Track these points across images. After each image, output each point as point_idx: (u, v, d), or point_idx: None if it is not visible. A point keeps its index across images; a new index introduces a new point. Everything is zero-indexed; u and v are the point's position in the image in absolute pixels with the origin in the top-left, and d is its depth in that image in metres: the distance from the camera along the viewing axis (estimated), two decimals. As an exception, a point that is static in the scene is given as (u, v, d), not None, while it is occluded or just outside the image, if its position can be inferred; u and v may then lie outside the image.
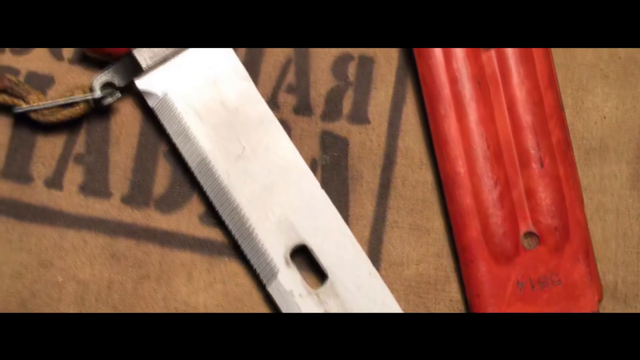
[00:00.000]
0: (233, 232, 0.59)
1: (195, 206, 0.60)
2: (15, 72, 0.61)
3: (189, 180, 0.60)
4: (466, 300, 0.59)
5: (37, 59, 0.61)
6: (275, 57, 0.61)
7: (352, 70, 0.61)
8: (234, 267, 0.60)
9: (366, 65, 0.61)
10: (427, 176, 0.61)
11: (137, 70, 0.59)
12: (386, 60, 0.61)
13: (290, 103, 0.61)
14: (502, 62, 0.60)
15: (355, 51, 0.61)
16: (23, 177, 0.60)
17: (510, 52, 0.59)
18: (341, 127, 0.61)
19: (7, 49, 0.61)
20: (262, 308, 0.59)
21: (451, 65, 0.59)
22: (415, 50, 0.59)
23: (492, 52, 0.59)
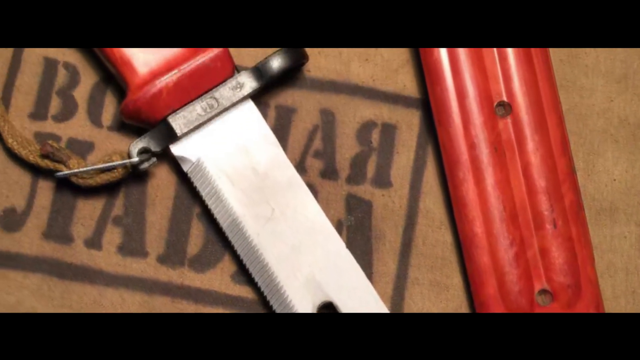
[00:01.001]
0: (263, 290, 0.60)
1: (227, 265, 0.62)
2: (57, 138, 0.62)
3: (221, 240, 0.62)
4: (484, 355, 0.61)
5: (78, 126, 0.63)
6: (303, 123, 0.63)
7: (375, 136, 0.63)
8: (263, 323, 0.62)
9: (389, 132, 0.63)
10: (447, 236, 0.62)
11: (172, 136, 0.60)
12: (408, 127, 0.63)
13: (317, 167, 0.63)
14: (518, 130, 0.61)
15: (379, 118, 0.63)
16: (64, 237, 0.62)
17: (525, 120, 0.61)
18: (365, 190, 0.63)
19: (49, 117, 0.62)
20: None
21: (469, 132, 0.61)
22: (436, 117, 0.61)
23: (509, 120, 0.61)
